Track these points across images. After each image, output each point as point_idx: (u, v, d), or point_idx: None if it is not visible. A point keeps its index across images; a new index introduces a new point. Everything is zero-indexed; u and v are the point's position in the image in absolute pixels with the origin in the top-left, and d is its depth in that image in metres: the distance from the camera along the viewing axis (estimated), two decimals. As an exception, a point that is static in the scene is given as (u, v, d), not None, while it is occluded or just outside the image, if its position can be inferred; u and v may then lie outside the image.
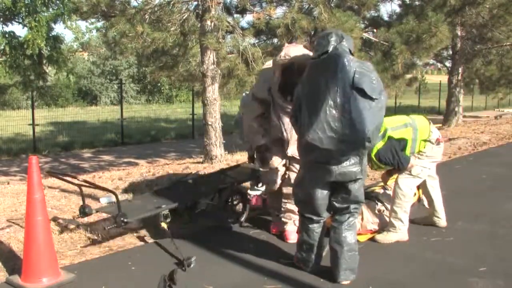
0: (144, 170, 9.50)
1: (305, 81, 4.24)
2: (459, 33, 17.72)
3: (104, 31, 12.38)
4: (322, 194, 4.36)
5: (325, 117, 3.97)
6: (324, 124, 3.96)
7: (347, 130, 3.94)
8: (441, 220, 5.93)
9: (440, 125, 19.17)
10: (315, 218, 4.46)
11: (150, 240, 5.60)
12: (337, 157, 4.07)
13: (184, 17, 9.96)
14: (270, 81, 5.34)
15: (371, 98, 3.96)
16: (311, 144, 4.04)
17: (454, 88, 19.11)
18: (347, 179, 4.21)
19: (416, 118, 5.52)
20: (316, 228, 4.49)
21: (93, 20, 12.04)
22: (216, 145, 9.81)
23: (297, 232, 4.83)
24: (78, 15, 10.74)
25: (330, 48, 4.15)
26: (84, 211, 5.19)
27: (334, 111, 3.96)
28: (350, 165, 4.16)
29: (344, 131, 3.95)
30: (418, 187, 6.56)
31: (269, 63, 5.62)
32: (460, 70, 18.92)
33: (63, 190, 7.71)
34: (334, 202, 4.40)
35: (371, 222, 5.56)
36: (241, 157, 10.48)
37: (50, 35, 11.13)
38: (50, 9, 11.04)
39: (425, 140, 5.43)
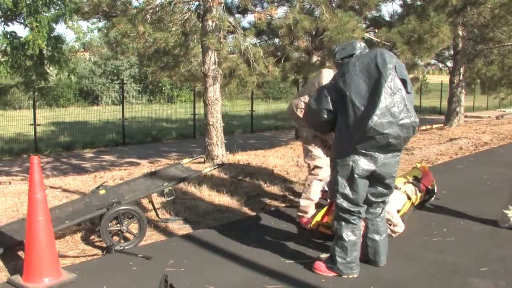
0: (146, 170, 9.51)
1: (349, 77, 4.34)
2: (460, 33, 17.69)
3: (105, 31, 12.39)
4: (366, 186, 4.50)
5: (384, 103, 4.17)
6: (385, 110, 4.16)
7: (403, 114, 4.23)
8: None
9: (442, 125, 19.17)
10: (362, 210, 4.53)
11: (151, 240, 5.61)
12: (388, 143, 4.27)
13: (186, 17, 9.96)
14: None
15: (407, 92, 4.32)
16: (372, 130, 4.17)
17: (455, 88, 19.09)
18: (388, 171, 4.45)
19: None
20: (359, 223, 4.57)
21: (94, 20, 12.03)
22: (217, 145, 9.80)
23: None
24: (79, 15, 10.74)
25: (357, 52, 4.52)
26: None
27: (390, 98, 4.19)
28: (392, 157, 4.44)
29: (401, 115, 4.22)
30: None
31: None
32: (462, 70, 18.91)
33: (65, 190, 7.73)
34: (371, 197, 4.60)
35: None
36: (242, 157, 10.48)
37: (52, 35, 11.12)
38: (52, 10, 11.03)
39: None
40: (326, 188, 6.31)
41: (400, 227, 5.64)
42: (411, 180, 6.48)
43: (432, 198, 6.86)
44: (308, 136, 6.01)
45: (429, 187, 6.73)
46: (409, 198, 6.08)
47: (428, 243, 5.43)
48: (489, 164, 10.17)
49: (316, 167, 5.99)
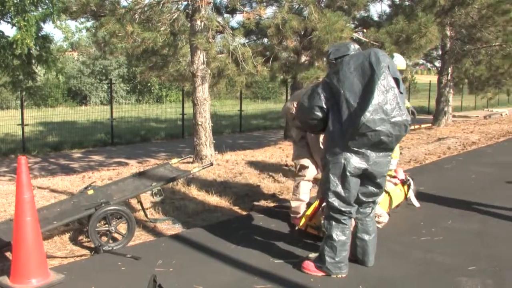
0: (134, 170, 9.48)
1: (343, 74, 4.38)
2: (448, 33, 17.80)
3: (93, 30, 12.35)
4: (357, 185, 4.50)
5: (377, 100, 4.19)
6: (377, 106, 4.18)
7: (395, 112, 4.25)
8: None
9: (430, 124, 19.25)
10: (353, 210, 4.54)
11: (139, 241, 5.60)
12: (379, 141, 4.27)
13: (174, 17, 9.95)
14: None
15: (400, 92, 4.36)
16: (364, 127, 4.18)
17: (443, 88, 19.20)
18: (379, 170, 4.44)
19: None
20: (349, 223, 4.57)
21: (82, 19, 12.00)
22: (206, 145, 9.79)
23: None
24: (67, 15, 10.70)
25: (351, 53, 4.54)
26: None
27: (383, 96, 4.21)
28: (383, 156, 4.43)
29: (393, 113, 4.24)
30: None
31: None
32: (450, 70, 19.02)
33: (53, 191, 7.69)
34: (362, 197, 4.60)
35: None
36: (231, 157, 10.48)
37: (39, 34, 11.07)
38: (39, 9, 10.98)
39: None
40: None
41: (384, 217, 5.79)
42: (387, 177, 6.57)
43: (412, 191, 6.88)
44: (296, 136, 6.07)
45: (404, 179, 6.79)
46: (386, 192, 6.13)
47: (417, 242, 5.45)
48: (477, 163, 10.22)
49: (302, 166, 6.01)
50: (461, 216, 6.43)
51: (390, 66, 4.33)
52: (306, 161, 5.97)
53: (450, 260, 4.90)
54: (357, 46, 4.69)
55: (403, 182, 6.74)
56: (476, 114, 30.17)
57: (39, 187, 7.88)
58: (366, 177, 4.48)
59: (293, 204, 6.07)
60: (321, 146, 5.87)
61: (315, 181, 6.16)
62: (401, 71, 6.80)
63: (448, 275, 4.54)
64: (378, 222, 5.61)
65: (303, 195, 6.01)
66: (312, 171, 5.98)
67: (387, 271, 4.65)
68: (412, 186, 6.89)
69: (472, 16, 15.97)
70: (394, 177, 6.75)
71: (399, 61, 6.78)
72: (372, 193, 4.60)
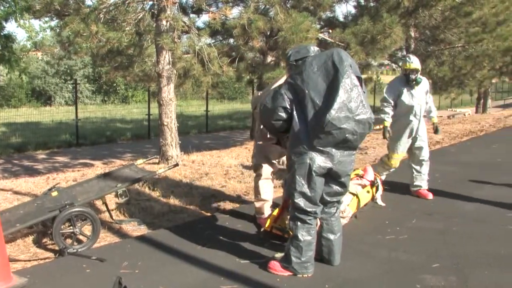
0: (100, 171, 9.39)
1: (306, 75, 4.42)
2: (412, 34, 17.99)
3: (58, 30, 12.21)
4: (322, 184, 4.53)
5: (342, 98, 4.24)
6: (342, 104, 4.24)
7: (360, 109, 4.32)
8: None
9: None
10: (318, 210, 4.56)
11: (104, 242, 5.55)
12: (344, 139, 4.32)
13: (140, 17, 9.89)
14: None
15: (362, 90, 4.45)
16: (329, 124, 4.22)
17: (408, 88, 19.38)
18: (343, 169, 4.48)
19: None
20: (315, 223, 4.59)
21: (46, 19, 11.86)
22: (172, 145, 9.75)
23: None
24: (31, 14, 10.56)
25: (311, 55, 4.60)
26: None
27: (347, 94, 4.27)
28: (348, 155, 4.49)
29: (357, 111, 4.31)
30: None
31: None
32: (414, 70, 19.19)
33: (16, 193, 7.59)
34: (326, 197, 4.63)
35: None
36: (197, 157, 10.45)
37: (1, 33, 10.90)
38: (1, 7, 10.81)
39: None
40: None
41: (348, 212, 5.92)
42: (354, 178, 6.63)
43: (380, 191, 6.96)
44: (256, 131, 6.07)
45: (373, 180, 6.85)
46: (354, 194, 6.19)
47: (382, 242, 5.50)
48: (441, 163, 10.34)
49: (256, 165, 5.99)
50: (425, 215, 6.51)
51: (352, 65, 4.40)
52: (260, 160, 5.97)
53: (414, 258, 4.97)
54: (317, 48, 4.77)
55: (372, 184, 6.79)
56: (440, 114, 30.47)
57: (1, 189, 7.77)
58: (331, 176, 4.51)
59: (257, 204, 6.08)
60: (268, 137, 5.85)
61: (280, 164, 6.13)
62: (417, 71, 7.23)
63: (413, 273, 4.59)
64: (342, 217, 5.66)
65: (264, 195, 5.99)
66: (267, 169, 5.95)
67: (353, 270, 4.69)
68: (380, 190, 6.96)
69: (435, 18, 16.19)
70: (362, 176, 6.79)
71: (415, 62, 7.30)
72: (336, 192, 4.64)
